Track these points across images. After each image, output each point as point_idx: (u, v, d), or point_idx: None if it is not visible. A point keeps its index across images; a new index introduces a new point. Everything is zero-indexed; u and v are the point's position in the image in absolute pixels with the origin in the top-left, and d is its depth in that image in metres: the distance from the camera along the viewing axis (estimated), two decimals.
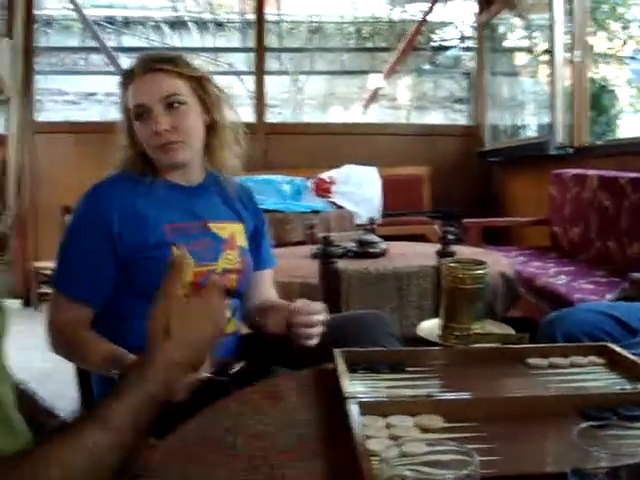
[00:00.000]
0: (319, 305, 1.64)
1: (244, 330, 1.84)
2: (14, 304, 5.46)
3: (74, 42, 7.97)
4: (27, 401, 1.12)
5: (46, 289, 5.60)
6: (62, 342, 1.60)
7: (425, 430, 1.01)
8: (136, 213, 1.62)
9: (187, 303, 1.00)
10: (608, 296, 2.81)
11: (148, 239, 1.61)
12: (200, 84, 1.68)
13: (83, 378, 1.75)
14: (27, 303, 5.63)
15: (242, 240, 1.79)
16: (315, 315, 1.61)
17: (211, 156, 1.75)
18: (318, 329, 1.61)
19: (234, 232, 1.77)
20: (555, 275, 3.45)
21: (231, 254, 1.73)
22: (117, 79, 1.72)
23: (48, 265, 5.52)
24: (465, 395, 1.13)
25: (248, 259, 1.79)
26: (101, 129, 6.11)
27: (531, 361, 1.31)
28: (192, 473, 0.93)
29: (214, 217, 1.74)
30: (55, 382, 3.32)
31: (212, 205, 1.76)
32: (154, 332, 0.97)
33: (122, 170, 1.70)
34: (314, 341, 1.61)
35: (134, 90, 1.64)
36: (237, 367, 1.52)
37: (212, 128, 1.72)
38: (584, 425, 0.77)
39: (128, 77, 1.66)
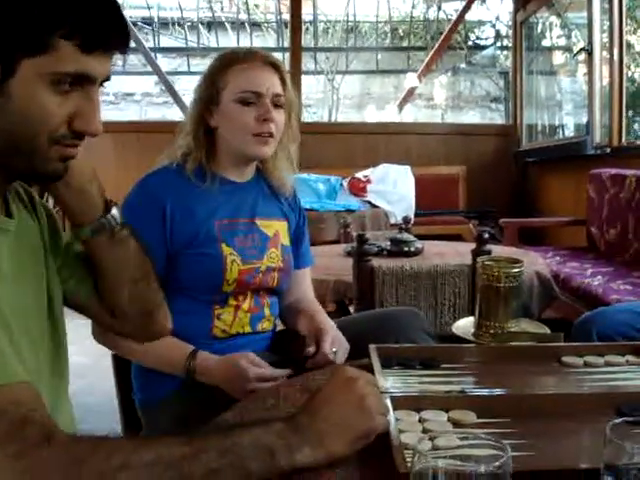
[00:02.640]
0: (339, 357, 1.59)
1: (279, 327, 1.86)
2: None
3: None
4: None
5: None
6: (103, 333, 1.62)
7: (458, 425, 1.02)
8: (188, 205, 1.63)
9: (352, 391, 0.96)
10: None
11: (199, 233, 1.62)
12: (293, 93, 1.72)
13: (121, 371, 1.78)
14: None
15: (285, 238, 1.80)
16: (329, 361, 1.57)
17: (269, 163, 1.77)
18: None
19: (278, 230, 1.78)
20: (592, 276, 3.41)
21: (274, 252, 1.74)
22: (209, 60, 1.71)
23: None
24: (498, 391, 1.13)
25: (290, 258, 1.79)
26: (138, 128, 6.22)
27: (566, 359, 1.31)
28: None
29: (261, 214, 1.75)
30: (93, 377, 3.38)
31: (260, 202, 1.76)
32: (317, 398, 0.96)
33: (174, 163, 1.69)
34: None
35: (251, 76, 1.64)
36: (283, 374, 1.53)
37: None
38: (617, 421, 0.77)
39: (233, 61, 1.66)
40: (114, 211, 1.13)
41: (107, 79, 0.95)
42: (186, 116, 1.74)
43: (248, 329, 1.70)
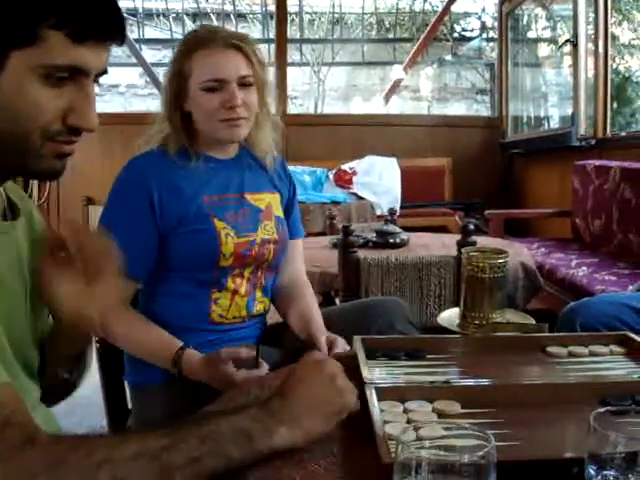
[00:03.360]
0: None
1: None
2: None
3: None
4: None
5: None
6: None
7: (443, 415, 1.02)
8: (174, 185, 1.63)
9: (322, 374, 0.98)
10: (630, 288, 2.80)
11: (188, 210, 1.62)
12: (262, 69, 1.68)
13: (105, 358, 1.76)
14: None
15: (278, 210, 1.79)
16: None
17: (251, 137, 1.76)
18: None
19: (270, 202, 1.77)
20: (576, 267, 3.43)
21: (268, 224, 1.74)
22: (174, 45, 1.69)
23: None
24: (483, 381, 1.13)
25: (284, 229, 1.79)
26: (123, 120, 6.18)
27: (550, 350, 1.31)
28: None
29: (250, 188, 1.74)
30: None
31: (247, 177, 1.75)
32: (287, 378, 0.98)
33: (157, 146, 1.68)
34: None
35: (212, 63, 1.61)
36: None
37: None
38: (601, 410, 0.77)
39: (196, 45, 1.63)
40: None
41: (104, 72, 0.92)
42: (160, 103, 1.72)
43: (244, 313, 1.70)
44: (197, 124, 1.67)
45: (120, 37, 0.92)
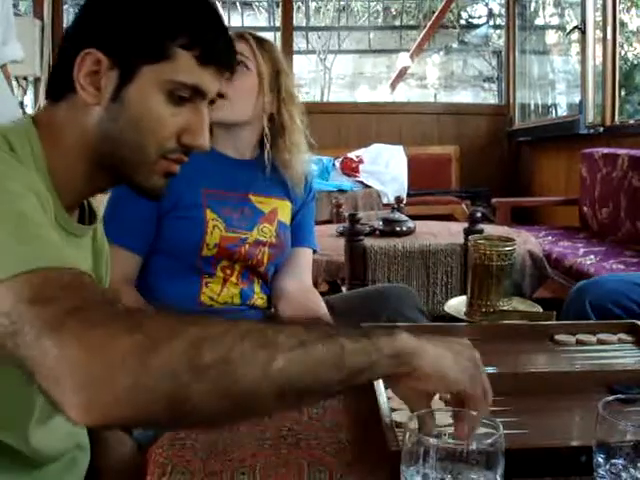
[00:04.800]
0: None
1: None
2: None
3: None
4: None
5: None
6: None
7: (450, 403, 1.01)
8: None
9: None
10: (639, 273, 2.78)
11: (184, 197, 1.62)
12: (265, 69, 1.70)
13: None
14: None
15: (285, 217, 1.78)
16: None
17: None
18: None
19: (277, 208, 1.76)
20: (584, 255, 3.41)
21: (267, 227, 1.73)
22: None
23: None
24: (490, 369, 1.13)
25: (286, 236, 1.77)
26: None
27: (558, 338, 1.31)
28: (221, 441, 0.95)
29: (257, 190, 1.74)
30: None
31: (258, 180, 1.74)
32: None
33: None
34: None
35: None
36: None
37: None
38: (610, 398, 0.77)
39: None
40: None
41: (214, 100, 0.96)
42: None
43: (238, 300, 1.70)
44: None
45: (233, 68, 0.98)
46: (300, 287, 1.79)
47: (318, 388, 0.71)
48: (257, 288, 1.74)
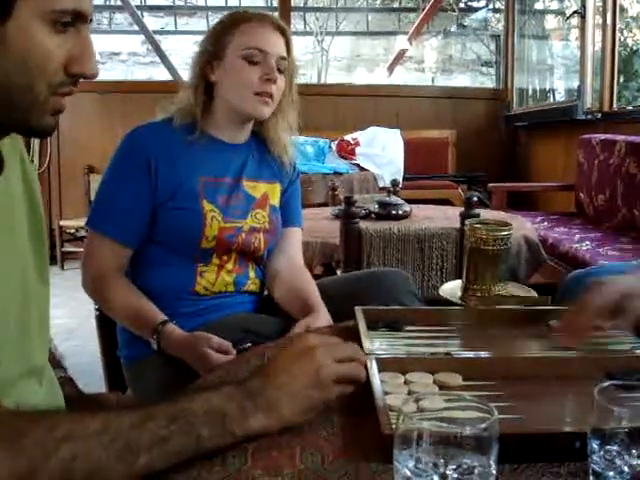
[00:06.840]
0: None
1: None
2: None
3: (98, 0, 7.91)
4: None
5: (70, 248, 5.65)
6: (91, 284, 1.64)
7: (444, 387, 1.01)
8: (173, 159, 1.64)
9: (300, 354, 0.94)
10: (633, 263, 2.78)
11: (181, 186, 1.62)
12: (294, 60, 1.73)
13: (105, 330, 1.77)
14: (52, 261, 5.69)
15: (275, 199, 1.79)
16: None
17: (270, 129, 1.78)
18: None
19: (267, 192, 1.77)
20: (580, 241, 3.41)
21: (260, 213, 1.73)
22: (219, 18, 1.74)
23: (72, 224, 5.57)
24: (485, 354, 1.12)
25: (278, 219, 1.78)
26: (125, 88, 6.13)
27: (553, 323, 1.30)
28: None
29: (249, 175, 1.74)
30: (78, 339, 3.38)
31: (249, 163, 1.75)
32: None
33: (161, 119, 1.70)
34: None
35: (260, 33, 1.65)
36: (246, 345, 1.52)
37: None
38: (605, 384, 0.76)
39: (244, 19, 1.67)
40: None
41: (91, 19, 0.88)
42: (189, 70, 1.73)
43: (232, 288, 1.70)
44: (222, 96, 1.68)
45: None
46: (291, 267, 1.79)
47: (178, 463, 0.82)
48: (252, 273, 1.75)
